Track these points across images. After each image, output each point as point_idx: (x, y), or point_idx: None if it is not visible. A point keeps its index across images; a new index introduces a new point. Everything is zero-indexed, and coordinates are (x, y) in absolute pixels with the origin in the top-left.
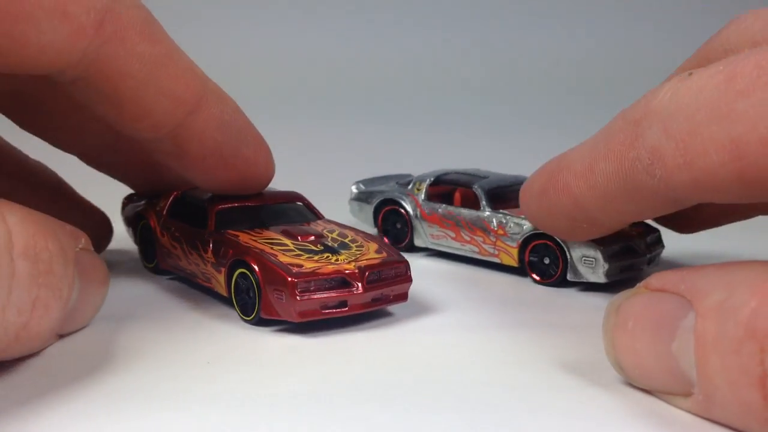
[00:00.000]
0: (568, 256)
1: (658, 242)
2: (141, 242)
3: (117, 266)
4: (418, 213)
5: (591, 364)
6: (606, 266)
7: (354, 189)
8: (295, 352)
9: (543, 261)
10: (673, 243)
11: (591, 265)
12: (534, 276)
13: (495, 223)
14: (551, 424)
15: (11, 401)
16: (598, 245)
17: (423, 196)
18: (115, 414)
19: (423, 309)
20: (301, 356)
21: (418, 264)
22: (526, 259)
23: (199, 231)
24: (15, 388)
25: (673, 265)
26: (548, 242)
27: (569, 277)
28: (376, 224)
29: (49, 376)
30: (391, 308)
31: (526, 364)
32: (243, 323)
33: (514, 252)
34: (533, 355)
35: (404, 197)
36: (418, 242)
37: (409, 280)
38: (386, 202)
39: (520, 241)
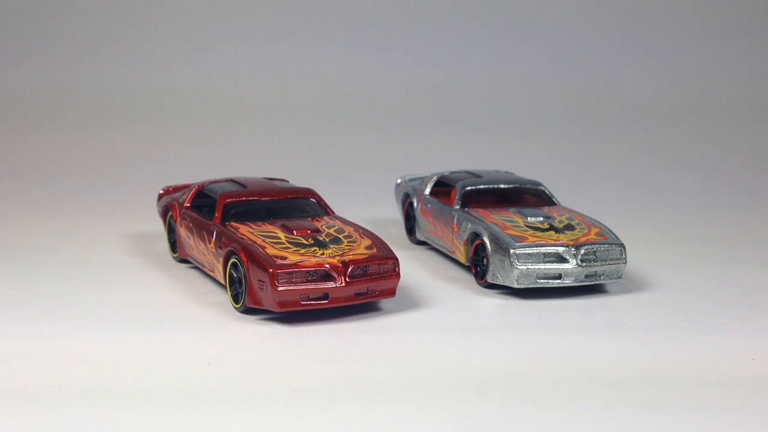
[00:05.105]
0: (491, 258)
1: (605, 257)
2: (169, 233)
3: (132, 264)
4: (418, 207)
5: (588, 360)
6: (516, 271)
7: (398, 181)
8: (294, 351)
9: (482, 261)
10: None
11: (504, 267)
12: (475, 276)
13: (454, 221)
14: (552, 418)
15: (11, 400)
16: (514, 247)
17: (428, 191)
18: (115, 410)
19: (420, 307)
20: (301, 354)
21: (419, 259)
22: (471, 256)
23: (207, 222)
24: (17, 387)
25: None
26: (483, 242)
27: (488, 278)
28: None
29: (51, 374)
30: (387, 306)
31: (526, 361)
32: (242, 321)
33: (463, 249)
34: (532, 353)
35: (415, 192)
36: (419, 235)
37: (397, 276)
38: (407, 195)
39: (466, 238)
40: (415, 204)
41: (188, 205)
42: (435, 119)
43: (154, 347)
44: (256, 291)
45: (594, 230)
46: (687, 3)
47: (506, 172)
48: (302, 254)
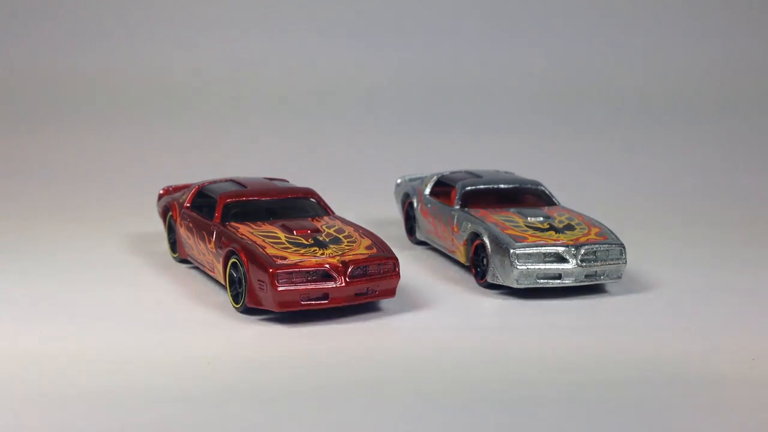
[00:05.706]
0: (491, 258)
1: (605, 257)
2: (169, 233)
3: (132, 264)
4: (418, 207)
5: (589, 360)
6: (516, 271)
7: (398, 181)
8: (294, 351)
9: (482, 261)
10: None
11: (504, 267)
12: (475, 276)
13: (454, 221)
14: (551, 418)
15: (13, 400)
16: (514, 247)
17: (428, 191)
18: (115, 410)
19: (420, 307)
20: (302, 354)
21: (419, 259)
22: (471, 256)
23: (207, 222)
24: (18, 387)
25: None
26: (483, 242)
27: (488, 278)
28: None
29: (51, 374)
30: (387, 306)
31: (526, 361)
32: (242, 321)
33: (463, 249)
34: (533, 354)
35: (415, 192)
36: (419, 235)
37: (397, 276)
38: (407, 195)
39: (466, 238)
40: (415, 204)
41: (188, 205)
42: (435, 119)
43: (154, 347)
44: (256, 291)
45: (594, 230)
46: (688, 3)
47: (506, 172)
48: (302, 254)
